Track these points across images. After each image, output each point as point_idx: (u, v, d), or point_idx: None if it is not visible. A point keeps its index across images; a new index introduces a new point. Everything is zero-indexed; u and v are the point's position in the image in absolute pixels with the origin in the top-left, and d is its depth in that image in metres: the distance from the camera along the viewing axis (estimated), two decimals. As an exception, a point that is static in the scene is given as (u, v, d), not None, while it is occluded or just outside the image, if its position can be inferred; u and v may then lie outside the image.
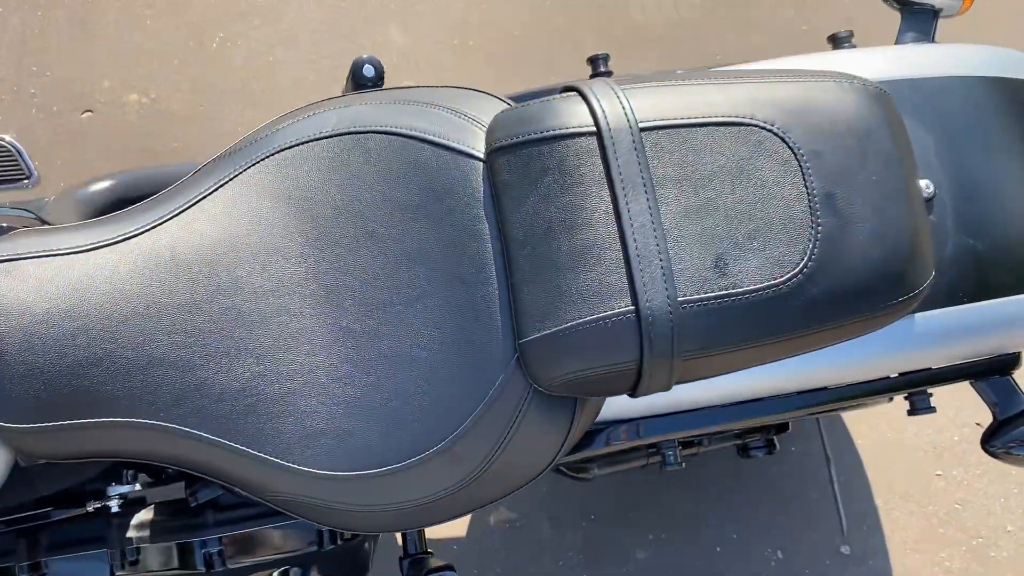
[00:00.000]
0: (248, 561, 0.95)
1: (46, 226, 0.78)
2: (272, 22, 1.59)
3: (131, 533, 0.96)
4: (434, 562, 0.94)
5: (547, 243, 0.68)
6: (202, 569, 0.95)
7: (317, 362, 0.74)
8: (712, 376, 0.72)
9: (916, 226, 0.70)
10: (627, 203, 0.67)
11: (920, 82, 0.82)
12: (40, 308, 0.70)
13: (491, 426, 0.72)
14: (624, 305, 0.66)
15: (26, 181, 1.19)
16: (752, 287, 0.66)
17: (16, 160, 1.20)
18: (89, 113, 1.55)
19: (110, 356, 0.71)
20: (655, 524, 1.34)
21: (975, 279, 0.79)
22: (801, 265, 0.67)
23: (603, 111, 0.68)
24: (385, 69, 0.93)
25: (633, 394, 0.70)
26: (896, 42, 0.91)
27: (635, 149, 0.67)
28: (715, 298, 0.66)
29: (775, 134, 0.68)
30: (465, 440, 0.72)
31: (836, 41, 0.93)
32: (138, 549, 0.95)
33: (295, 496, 0.76)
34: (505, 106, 0.77)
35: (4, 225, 0.82)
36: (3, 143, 1.20)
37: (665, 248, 0.66)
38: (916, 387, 0.86)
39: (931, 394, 0.88)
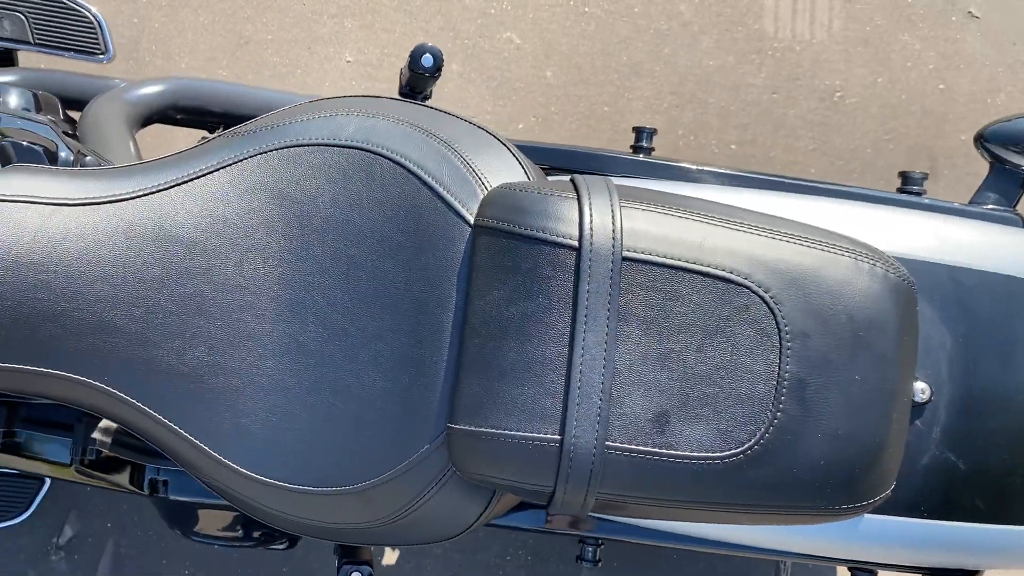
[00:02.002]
0: (189, 497, 0.99)
1: (43, 166, 0.78)
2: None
3: (95, 434, 1.00)
4: (361, 553, 0.96)
5: (497, 342, 0.65)
6: (145, 492, 0.99)
7: (264, 367, 0.74)
8: (631, 518, 0.69)
9: (886, 438, 0.64)
10: (584, 331, 0.63)
11: (965, 272, 0.74)
12: (10, 254, 0.71)
13: (406, 487, 0.72)
14: (551, 432, 0.64)
15: (101, 56, 1.20)
16: (687, 454, 0.63)
17: (96, 33, 1.21)
18: (195, -18, 1.55)
19: (67, 314, 0.73)
20: (610, 551, 1.35)
21: (943, 497, 0.73)
22: (746, 446, 0.63)
23: (591, 226, 0.64)
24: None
25: (546, 509, 0.69)
26: (974, 197, 0.82)
27: (610, 278, 0.63)
28: (645, 453, 0.63)
29: (765, 303, 0.63)
30: (377, 491, 0.72)
31: (905, 180, 0.84)
32: (97, 451, 1.00)
33: (222, 486, 0.78)
34: (518, 168, 0.74)
35: (25, 144, 0.83)
36: (88, 14, 1.21)
37: (609, 388, 0.63)
38: (862, 566, 0.82)
39: (876, 573, 0.83)
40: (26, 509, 1.31)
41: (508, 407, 0.64)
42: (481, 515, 0.74)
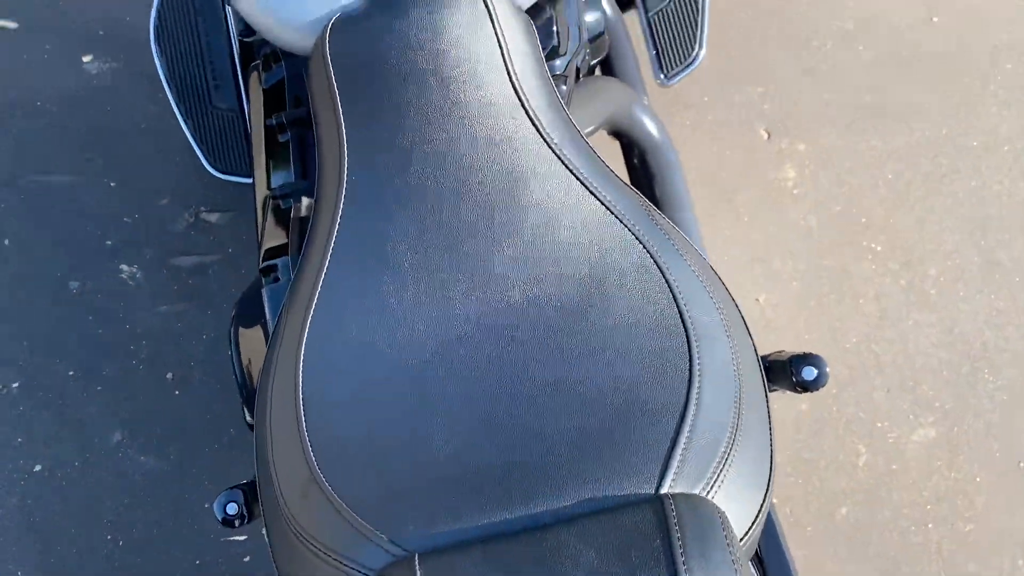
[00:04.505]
0: (268, 312, 0.94)
1: (538, 55, 0.75)
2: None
3: (303, 202, 0.98)
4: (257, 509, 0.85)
5: None
6: (260, 265, 0.95)
7: (416, 328, 0.65)
8: None
9: None
10: None
11: None
12: (437, 43, 0.69)
13: (339, 534, 0.60)
14: None
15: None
16: None
17: (694, 45, 1.18)
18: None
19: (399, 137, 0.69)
20: None
21: None
22: None
23: None
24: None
25: None
26: None
27: None
28: None
29: None
30: (321, 502, 0.61)
31: None
32: (289, 205, 0.97)
33: (283, 326, 0.71)
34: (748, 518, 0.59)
35: (553, 28, 0.81)
36: (699, 50, 1.20)
37: None
38: None
39: None
40: (226, 172, 1.32)
41: None
42: None
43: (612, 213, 0.68)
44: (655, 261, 0.66)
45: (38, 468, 1.31)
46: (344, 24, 0.72)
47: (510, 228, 0.67)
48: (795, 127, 1.51)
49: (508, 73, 0.70)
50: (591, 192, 0.68)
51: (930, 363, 1.37)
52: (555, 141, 0.69)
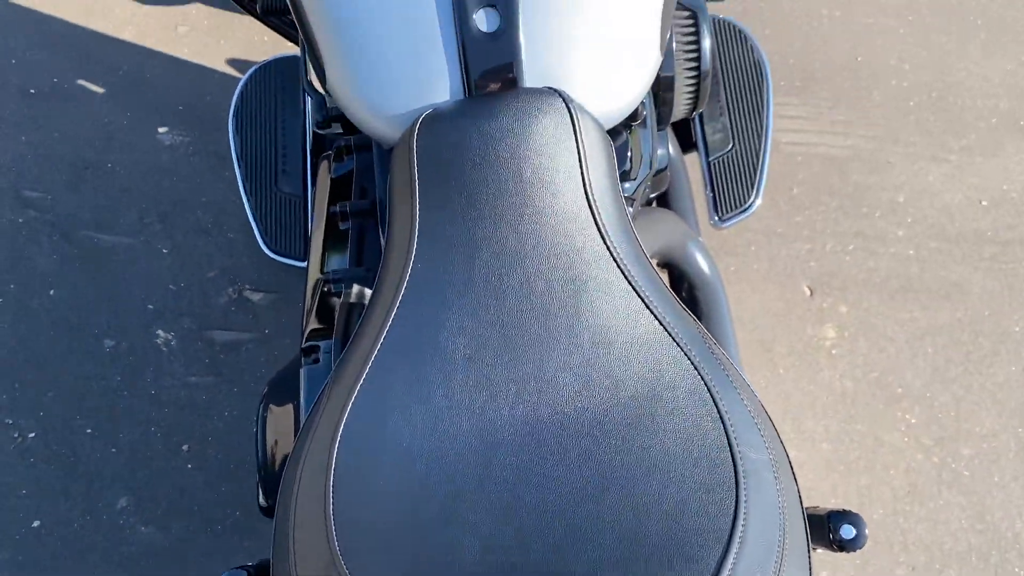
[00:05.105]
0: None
1: (612, 169, 0.77)
2: (937, 474, 1.39)
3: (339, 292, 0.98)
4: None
5: None
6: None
7: (465, 435, 0.64)
8: None
9: None
10: None
11: None
12: (512, 152, 0.72)
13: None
14: None
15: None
16: None
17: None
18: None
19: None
20: None
21: None
22: None
23: None
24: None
25: None
26: None
27: None
28: None
29: None
30: None
31: None
32: (336, 292, 0.98)
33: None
34: None
35: (629, 156, 0.83)
36: (754, 204, 1.23)
37: None
38: None
39: None
40: (278, 253, 1.33)
41: None
42: None
43: (670, 335, 0.68)
44: (708, 389, 0.65)
45: (36, 524, 1.28)
46: (434, 120, 0.74)
47: (567, 335, 0.66)
48: (839, 288, 1.52)
49: (584, 186, 0.72)
50: (651, 311, 0.69)
51: (958, 547, 1.32)
52: (621, 257, 0.70)
